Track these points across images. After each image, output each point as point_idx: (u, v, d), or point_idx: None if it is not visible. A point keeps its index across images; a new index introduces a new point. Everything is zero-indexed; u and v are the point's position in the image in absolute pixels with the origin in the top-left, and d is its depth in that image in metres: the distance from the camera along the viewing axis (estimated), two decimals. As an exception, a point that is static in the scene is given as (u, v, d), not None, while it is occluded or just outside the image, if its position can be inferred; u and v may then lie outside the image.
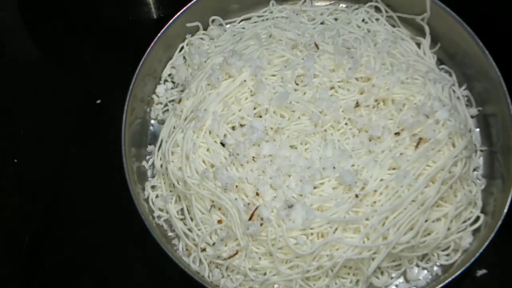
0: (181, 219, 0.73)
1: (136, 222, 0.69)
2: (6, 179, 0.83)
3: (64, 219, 0.80)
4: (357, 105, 0.73)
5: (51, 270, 0.77)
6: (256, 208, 0.66)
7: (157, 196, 0.75)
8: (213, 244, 0.69)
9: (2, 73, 0.91)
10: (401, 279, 0.71)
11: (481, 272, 0.73)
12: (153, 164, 0.77)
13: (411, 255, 0.69)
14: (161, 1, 0.93)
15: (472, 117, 0.77)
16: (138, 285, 0.76)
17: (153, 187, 0.76)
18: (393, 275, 0.70)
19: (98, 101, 0.85)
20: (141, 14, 0.93)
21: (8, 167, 0.84)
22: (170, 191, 0.74)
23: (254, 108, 0.73)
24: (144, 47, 0.76)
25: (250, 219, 0.66)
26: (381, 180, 0.68)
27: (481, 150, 0.76)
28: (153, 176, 0.76)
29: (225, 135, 0.71)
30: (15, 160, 0.84)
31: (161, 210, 0.74)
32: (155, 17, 0.93)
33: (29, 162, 0.84)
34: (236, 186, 0.68)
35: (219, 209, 0.69)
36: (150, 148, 0.78)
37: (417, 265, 0.71)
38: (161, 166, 0.75)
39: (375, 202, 0.68)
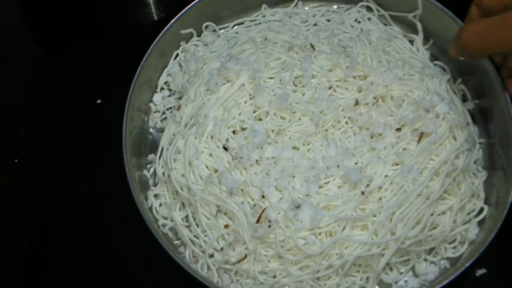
0: (187, 226, 0.72)
1: (141, 231, 0.68)
2: (6, 179, 0.83)
3: (64, 220, 0.79)
4: (357, 103, 0.73)
5: (51, 271, 0.77)
6: (263, 210, 0.66)
7: (160, 205, 0.74)
8: (221, 249, 0.69)
9: (2, 73, 0.90)
10: (410, 274, 0.71)
11: (481, 272, 0.73)
12: (154, 172, 0.76)
13: (419, 249, 0.69)
14: (161, 1, 0.93)
15: (468, 110, 0.77)
16: (137, 283, 0.76)
17: (156, 195, 0.75)
18: (402, 270, 0.70)
19: (98, 101, 0.85)
20: (141, 15, 0.93)
21: (8, 167, 0.83)
22: (174, 198, 0.74)
23: (254, 111, 0.73)
24: (144, 47, 0.76)
25: (257, 221, 0.66)
26: (386, 176, 0.69)
27: (480, 143, 0.77)
28: (155, 185, 0.76)
29: (227, 140, 0.71)
30: (15, 160, 0.83)
31: (165, 218, 0.74)
32: (155, 17, 0.93)
33: (29, 162, 0.83)
34: (241, 189, 0.67)
35: (225, 213, 0.69)
36: (150, 157, 0.77)
37: (425, 259, 0.71)
38: (164, 174, 0.74)
39: (381, 198, 0.68)
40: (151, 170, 0.77)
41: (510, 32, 0.60)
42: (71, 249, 0.77)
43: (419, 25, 0.80)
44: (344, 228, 0.67)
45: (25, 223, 0.79)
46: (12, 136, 0.85)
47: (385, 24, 0.83)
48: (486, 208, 0.72)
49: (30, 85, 0.89)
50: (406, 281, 0.70)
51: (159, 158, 0.76)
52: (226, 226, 0.68)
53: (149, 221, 0.68)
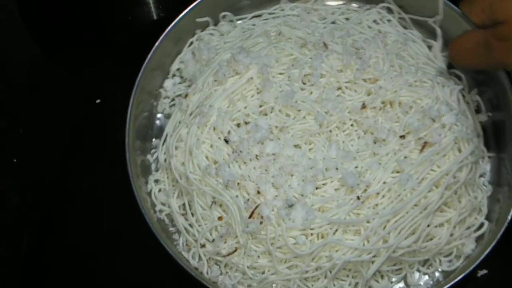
0: (182, 214, 0.73)
1: (137, 217, 0.68)
2: (5, 179, 0.83)
3: (64, 219, 0.80)
4: (364, 106, 0.72)
5: (51, 271, 0.78)
6: (257, 206, 0.66)
7: (159, 190, 0.75)
8: (213, 240, 0.69)
9: (2, 72, 0.91)
10: (401, 284, 0.70)
11: (482, 273, 0.73)
12: (157, 158, 0.77)
13: (412, 260, 0.68)
14: (161, 0, 0.93)
15: (481, 122, 0.76)
16: (138, 281, 0.76)
17: (156, 181, 0.76)
18: (393, 279, 0.69)
19: (98, 101, 0.85)
20: (140, 14, 0.93)
21: (7, 167, 0.84)
22: (173, 185, 0.74)
23: (260, 106, 0.72)
24: (143, 46, 0.75)
25: (250, 217, 0.66)
26: (384, 183, 0.68)
27: (489, 157, 0.75)
28: (157, 170, 0.76)
29: (229, 132, 0.71)
30: (14, 160, 0.84)
31: (163, 204, 0.74)
32: (155, 17, 0.93)
33: (29, 162, 0.84)
34: (238, 183, 0.68)
35: (220, 205, 0.69)
36: (155, 142, 0.78)
37: (418, 270, 0.70)
38: (165, 160, 0.75)
39: (377, 204, 0.67)
40: (155, 156, 0.77)
41: (493, 56, 0.62)
42: (71, 248, 0.78)
43: (438, 31, 0.78)
44: (336, 231, 0.66)
45: (24, 223, 0.80)
46: (11, 136, 0.86)
47: (405, 28, 0.81)
48: (486, 224, 0.71)
49: (29, 85, 0.90)
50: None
51: (163, 144, 0.76)
52: (220, 218, 0.69)
53: (144, 206, 0.69)
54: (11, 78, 0.91)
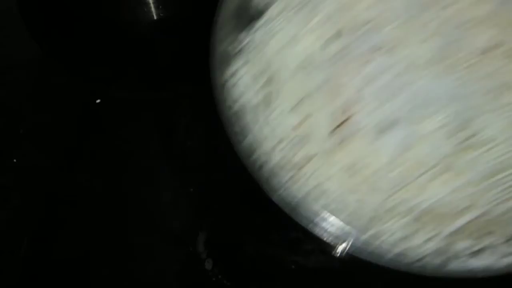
0: (258, 112, 0.65)
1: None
2: (5, 179, 0.82)
3: (64, 219, 0.79)
4: (491, 49, 0.62)
5: (51, 270, 0.76)
6: (347, 119, 0.58)
7: (237, 83, 0.67)
8: (284, 147, 0.61)
9: (1, 72, 0.90)
10: (480, 254, 0.61)
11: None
12: (243, 47, 0.69)
13: (503, 230, 0.59)
14: (161, 0, 0.90)
15: None
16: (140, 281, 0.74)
17: (235, 72, 0.68)
18: (476, 246, 0.60)
19: (98, 101, 0.83)
20: (140, 14, 0.91)
21: (7, 167, 0.83)
22: (256, 79, 0.66)
23: (376, 17, 0.64)
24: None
25: (335, 129, 0.58)
26: (495, 134, 0.59)
27: None
28: (240, 60, 0.69)
29: (334, 35, 0.63)
30: (14, 160, 0.82)
31: (237, 99, 0.67)
32: (155, 17, 0.90)
33: (29, 162, 0.82)
34: (332, 86, 0.60)
35: (304, 109, 0.61)
36: (246, 30, 0.70)
37: (504, 244, 0.61)
38: (254, 50, 0.67)
39: (480, 156, 0.58)
40: (242, 44, 0.69)
41: None
42: (71, 248, 0.76)
43: None
44: (423, 173, 0.58)
45: (24, 223, 0.78)
46: (11, 136, 0.85)
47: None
48: None
49: (29, 85, 0.89)
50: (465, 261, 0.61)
51: (256, 32, 0.68)
52: (299, 124, 0.61)
53: (219, 101, 0.63)
54: (11, 78, 0.89)
